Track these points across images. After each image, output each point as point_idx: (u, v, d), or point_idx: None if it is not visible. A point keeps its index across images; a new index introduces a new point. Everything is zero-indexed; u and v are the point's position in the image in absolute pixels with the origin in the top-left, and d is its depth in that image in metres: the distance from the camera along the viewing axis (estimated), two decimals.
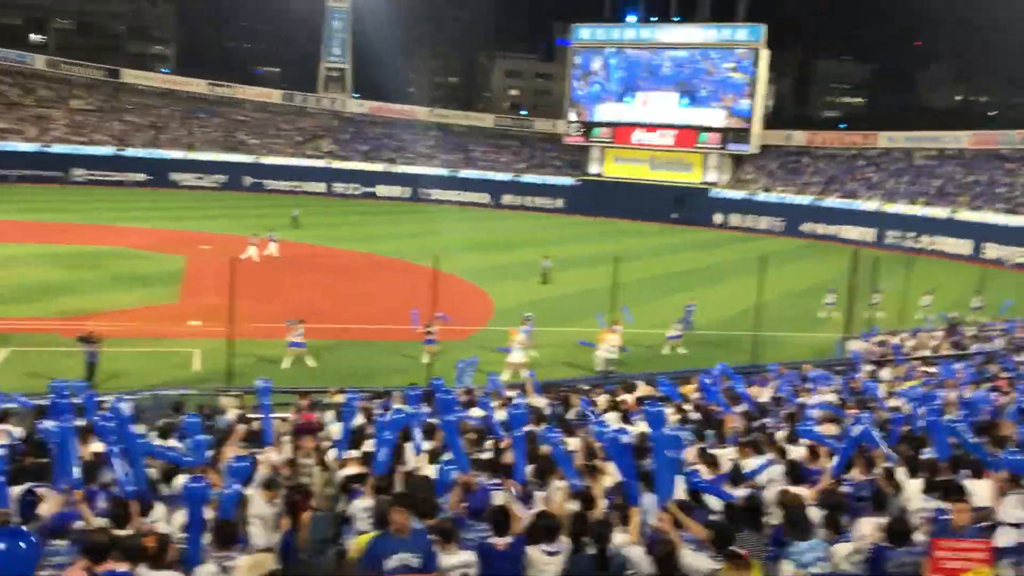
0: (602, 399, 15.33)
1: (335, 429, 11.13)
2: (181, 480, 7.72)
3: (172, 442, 9.93)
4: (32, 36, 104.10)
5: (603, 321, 24.42)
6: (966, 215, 59.83)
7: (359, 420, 11.66)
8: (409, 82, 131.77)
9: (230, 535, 6.36)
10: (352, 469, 8.89)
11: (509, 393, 15.27)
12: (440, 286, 22.80)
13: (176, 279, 32.61)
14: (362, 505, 7.66)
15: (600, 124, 78.85)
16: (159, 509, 7.29)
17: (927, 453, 9.29)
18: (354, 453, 9.39)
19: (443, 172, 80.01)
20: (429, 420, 11.05)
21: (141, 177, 71.34)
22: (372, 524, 7.20)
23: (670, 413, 13.47)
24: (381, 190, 78.08)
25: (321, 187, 77.05)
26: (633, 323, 25.86)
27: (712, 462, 8.99)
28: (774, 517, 7.21)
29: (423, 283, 24.48)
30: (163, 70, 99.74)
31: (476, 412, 13.07)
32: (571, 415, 13.70)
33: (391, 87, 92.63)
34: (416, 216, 63.65)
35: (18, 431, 10.38)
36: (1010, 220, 56.83)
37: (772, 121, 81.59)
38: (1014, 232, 55.60)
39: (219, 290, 23.55)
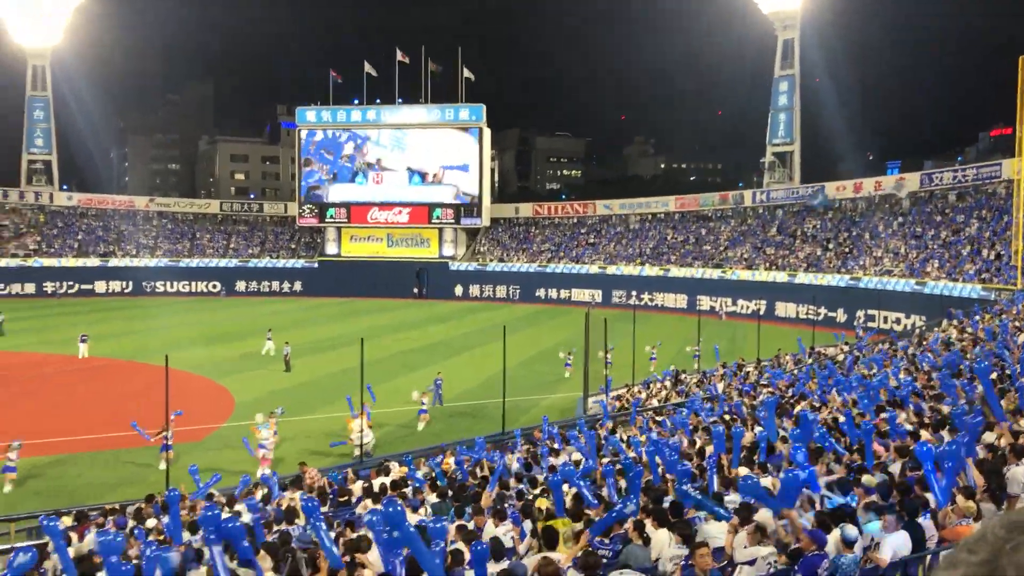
0: (357, 486, 14.92)
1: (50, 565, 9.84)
2: None
3: None
4: None
5: (352, 408, 23.65)
6: (679, 271, 65.49)
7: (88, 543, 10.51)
8: (124, 171, 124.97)
9: None
10: None
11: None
12: (173, 384, 21.26)
13: None
14: None
15: (334, 205, 78.61)
16: None
17: (668, 501, 9.75)
18: None
19: (168, 262, 75.85)
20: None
21: None
22: None
23: (427, 491, 13.36)
24: (100, 286, 72.49)
25: (30, 288, 70.16)
26: (376, 402, 25.46)
27: (471, 539, 8.90)
28: None
29: (153, 383, 22.76)
30: None
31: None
32: (326, 507, 13.19)
33: (104, 177, 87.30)
34: (141, 311, 59.44)
35: None
36: (716, 274, 62.92)
37: (500, 195, 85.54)
38: (720, 284, 61.61)
39: None
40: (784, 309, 56.12)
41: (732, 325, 51.50)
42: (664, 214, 75.17)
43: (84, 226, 79.08)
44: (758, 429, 14.99)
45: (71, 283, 71.69)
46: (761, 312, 53.62)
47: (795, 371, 26.90)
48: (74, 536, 11.78)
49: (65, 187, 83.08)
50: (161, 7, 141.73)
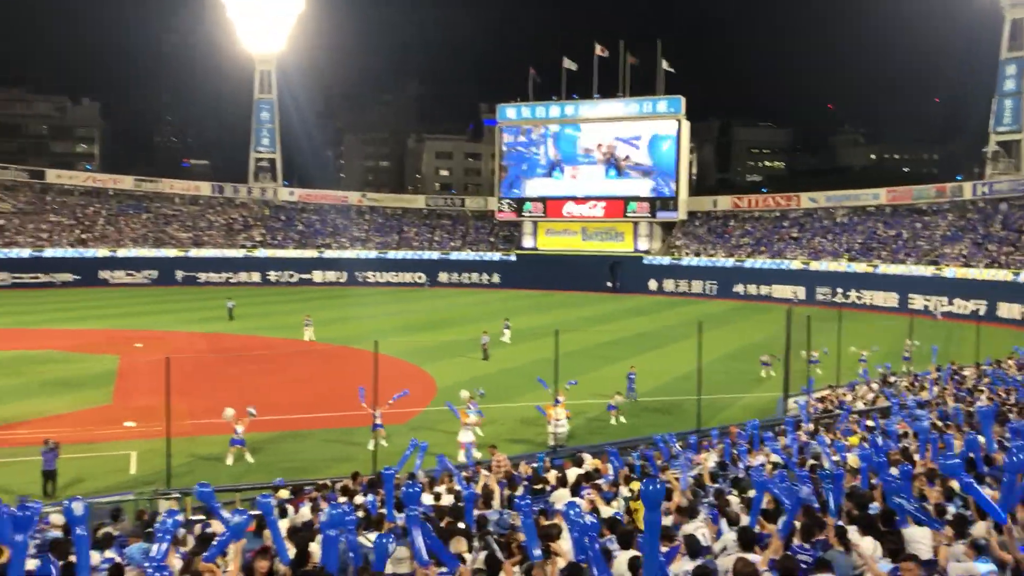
0: (551, 475, 15.27)
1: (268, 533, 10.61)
2: None
3: (110, 553, 9.52)
4: None
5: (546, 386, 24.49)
6: (889, 268, 61.83)
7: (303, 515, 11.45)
8: (339, 168, 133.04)
9: None
10: None
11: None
12: (381, 368, 22.55)
13: (108, 380, 31.65)
14: None
15: (530, 199, 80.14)
16: None
17: (874, 509, 9.41)
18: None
19: (377, 254, 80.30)
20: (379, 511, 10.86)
21: (68, 277, 69.90)
22: None
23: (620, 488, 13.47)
24: (317, 276, 77.83)
25: (256, 277, 76.38)
26: (577, 383, 26.02)
27: (666, 535, 8.95)
28: None
29: (363, 367, 24.24)
30: (88, 168, 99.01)
31: (426, 500, 12.90)
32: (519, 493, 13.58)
33: (321, 173, 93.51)
34: (352, 300, 63.29)
35: None
36: (931, 271, 58.90)
37: (697, 188, 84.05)
38: (936, 282, 57.60)
39: (154, 388, 22.94)
40: (1008, 310, 51.80)
41: (948, 326, 48.14)
42: (874, 207, 71.18)
43: (303, 219, 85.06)
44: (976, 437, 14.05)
45: (291, 272, 77.41)
46: (981, 313, 49.79)
47: (1019, 376, 24.86)
48: (290, 508, 12.81)
49: (287, 183, 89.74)
50: (372, 14, 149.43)
